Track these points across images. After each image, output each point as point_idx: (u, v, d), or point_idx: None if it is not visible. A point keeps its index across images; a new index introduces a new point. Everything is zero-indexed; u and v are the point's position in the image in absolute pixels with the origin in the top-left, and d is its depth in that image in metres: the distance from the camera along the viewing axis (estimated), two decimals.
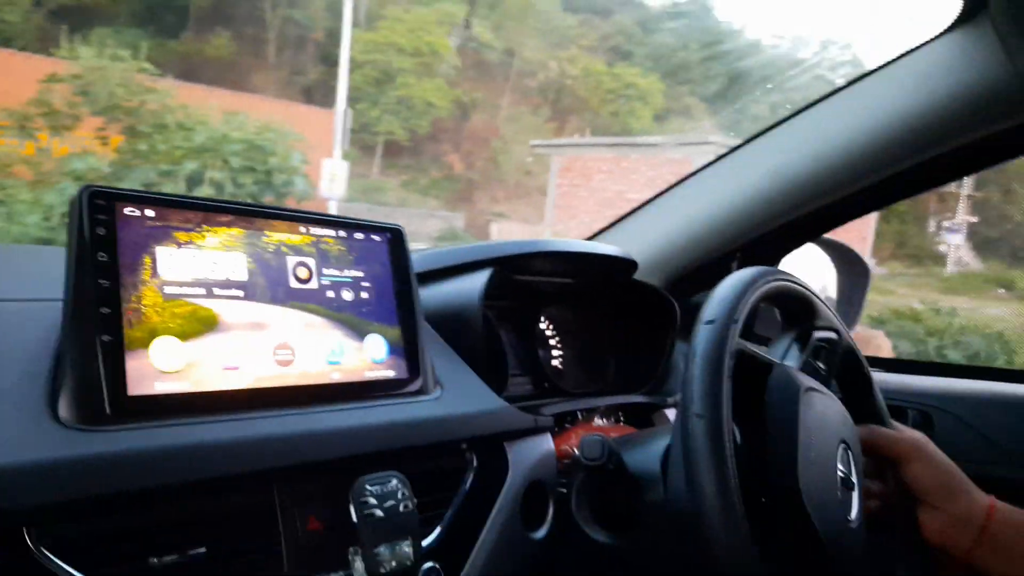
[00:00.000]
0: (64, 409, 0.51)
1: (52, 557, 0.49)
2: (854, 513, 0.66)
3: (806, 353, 0.76)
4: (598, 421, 1.03)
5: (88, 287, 0.53)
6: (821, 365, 0.78)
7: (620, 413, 1.08)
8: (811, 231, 1.19)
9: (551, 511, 0.80)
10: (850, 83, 1.01)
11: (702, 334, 0.62)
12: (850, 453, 0.68)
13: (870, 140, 0.99)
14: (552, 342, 1.12)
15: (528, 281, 1.04)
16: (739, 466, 0.58)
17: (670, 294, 1.08)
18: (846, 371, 0.81)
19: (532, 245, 0.94)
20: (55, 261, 0.60)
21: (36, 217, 4.08)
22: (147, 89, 5.06)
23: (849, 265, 1.27)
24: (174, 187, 4.63)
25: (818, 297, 0.77)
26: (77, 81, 4.79)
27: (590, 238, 1.28)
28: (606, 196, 13.57)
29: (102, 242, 0.55)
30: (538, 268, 1.03)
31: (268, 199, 5.32)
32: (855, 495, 0.67)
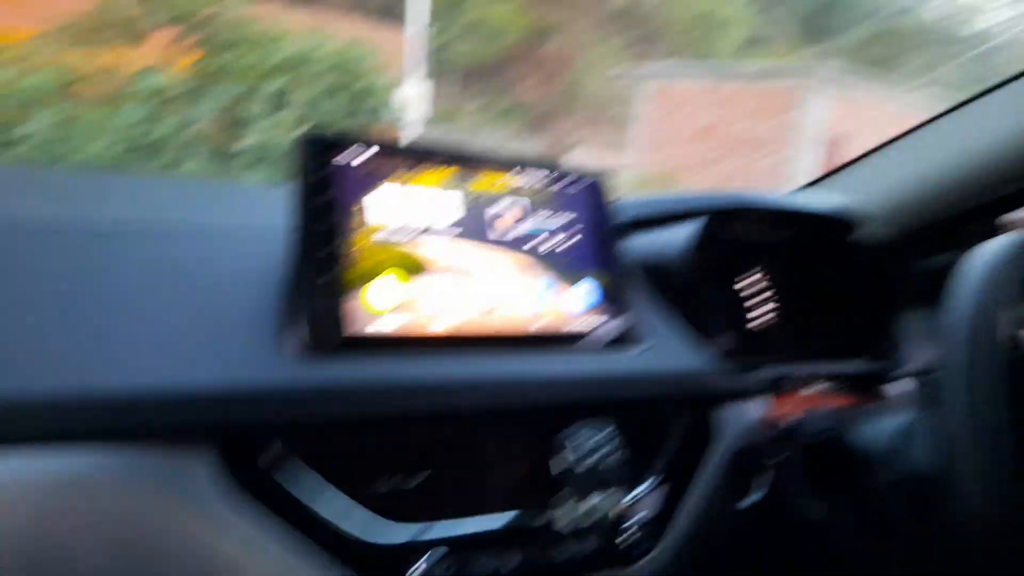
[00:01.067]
0: (288, 341, 0.56)
1: (296, 468, 0.55)
2: None
3: None
4: (814, 388, 0.94)
5: (311, 229, 0.58)
6: None
7: (836, 381, 0.98)
8: None
9: (762, 479, 0.78)
10: None
11: (965, 308, 0.57)
12: None
13: None
14: (762, 298, 1.03)
15: (745, 235, 0.98)
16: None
17: (903, 252, 1.01)
18: None
19: (748, 199, 0.93)
20: (276, 201, 0.68)
21: (100, 145, 3.57)
22: None
23: None
24: (258, 108, 4.08)
25: None
26: None
27: (809, 185, 1.16)
28: (701, 126, 12.57)
29: (321, 187, 0.59)
30: (753, 223, 0.97)
31: (360, 122, 4.77)
32: None
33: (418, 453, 0.62)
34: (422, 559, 0.58)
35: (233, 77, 4.29)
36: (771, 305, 1.04)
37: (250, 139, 4.05)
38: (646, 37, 24.28)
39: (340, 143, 0.60)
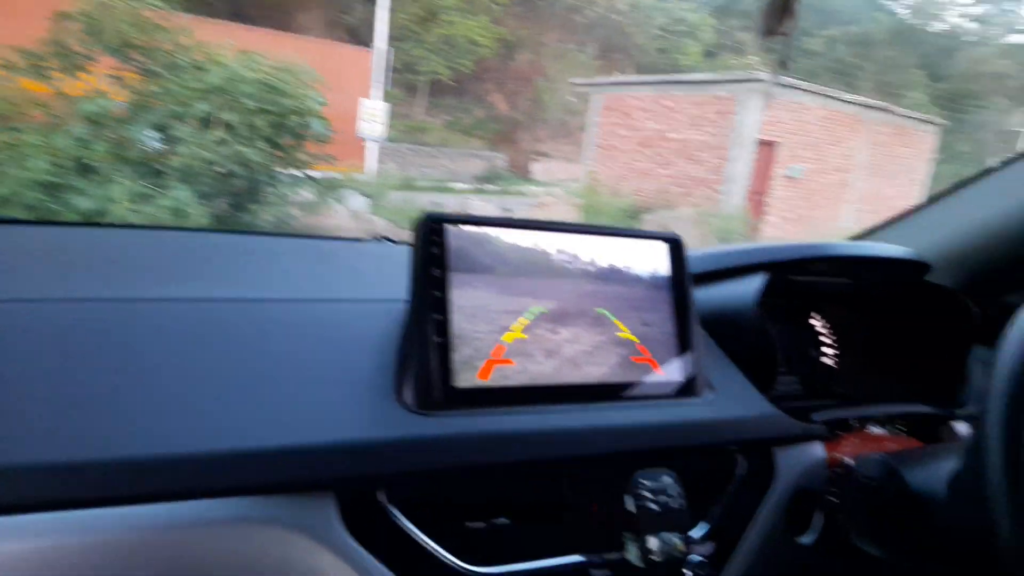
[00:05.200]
0: (407, 396, 0.62)
1: (398, 513, 0.62)
2: None
3: None
4: (875, 429, 0.96)
5: (426, 297, 0.64)
6: None
7: (900, 422, 1.00)
8: None
9: (819, 519, 0.80)
10: None
11: (1013, 344, 0.57)
12: None
13: None
14: (826, 341, 1.08)
15: (805, 281, 1.02)
16: None
17: (970, 294, 0.96)
18: None
19: (812, 249, 0.93)
20: (382, 256, 0.88)
21: (42, 162, 4.01)
22: (157, 27, 4.88)
23: None
24: (187, 129, 4.52)
25: None
26: (84, 19, 4.63)
27: (870, 232, 1.20)
28: (646, 135, 13.09)
29: (436, 259, 0.65)
30: (816, 270, 1.00)
31: (285, 141, 5.18)
32: None
33: (504, 499, 0.68)
34: None
35: (167, 100, 4.72)
36: (834, 350, 1.07)
37: (178, 159, 4.49)
38: (612, 49, 24.81)
39: (455, 220, 0.67)
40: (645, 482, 0.66)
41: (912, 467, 0.72)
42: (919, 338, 1.01)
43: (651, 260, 0.78)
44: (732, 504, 0.77)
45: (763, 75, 11.24)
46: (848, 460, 0.79)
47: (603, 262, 0.75)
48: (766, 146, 12.14)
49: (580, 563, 0.67)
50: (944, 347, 0.97)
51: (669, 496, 0.66)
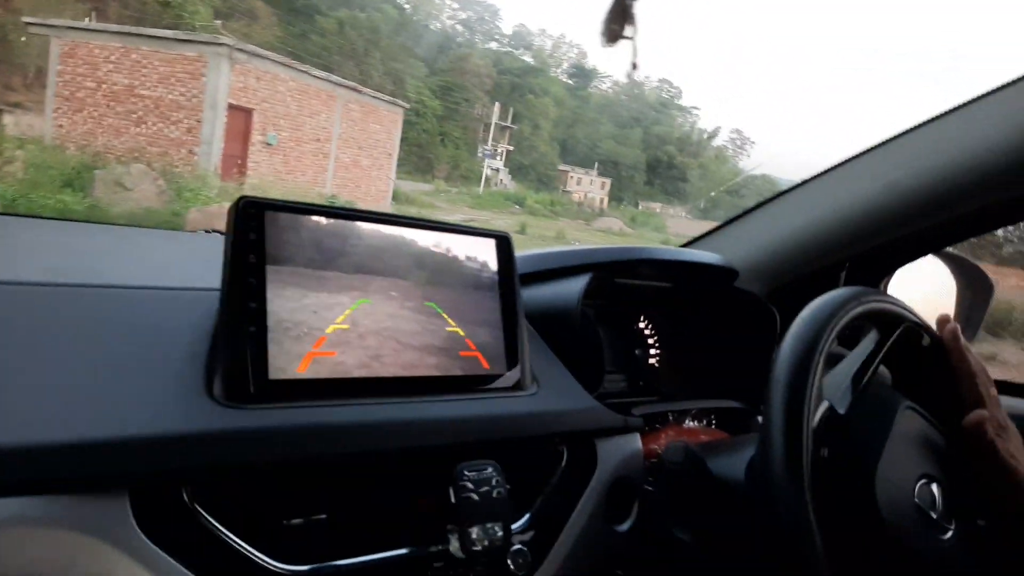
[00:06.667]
0: (217, 388, 0.58)
1: (203, 512, 0.57)
2: (935, 538, 0.65)
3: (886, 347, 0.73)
4: (689, 423, 1.04)
5: (239, 284, 0.60)
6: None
7: (713, 417, 1.08)
8: (927, 245, 1.11)
9: (635, 507, 0.84)
10: (977, 98, 0.93)
11: (791, 339, 0.63)
12: (933, 489, 0.66)
13: (999, 157, 0.90)
14: (650, 342, 1.13)
15: (628, 284, 1.06)
16: (823, 481, 0.59)
17: (775, 303, 1.07)
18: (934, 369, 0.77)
19: (632, 252, 0.98)
20: (208, 248, 0.79)
21: None
22: None
23: (970, 279, 1.18)
24: None
25: (917, 318, 0.74)
26: None
27: (691, 242, 1.26)
28: (116, 89, 12.40)
29: (252, 245, 0.62)
30: (639, 273, 1.05)
31: None
32: (935, 526, 0.65)
33: (321, 494, 0.65)
34: None
35: None
36: (654, 349, 1.12)
37: None
38: None
39: (272, 206, 0.64)
40: (468, 473, 0.66)
41: (716, 456, 0.78)
42: (730, 339, 1.09)
43: (480, 256, 0.78)
44: (554, 494, 0.78)
45: (229, 40, 11.61)
46: (662, 450, 0.84)
47: (433, 257, 0.74)
48: (242, 112, 12.58)
49: (403, 556, 0.66)
50: (751, 348, 1.04)
51: (491, 487, 0.66)
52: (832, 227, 1.08)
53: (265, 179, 12.88)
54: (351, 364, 0.65)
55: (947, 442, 0.71)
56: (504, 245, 0.81)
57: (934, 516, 0.64)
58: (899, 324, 0.72)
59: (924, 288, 1.14)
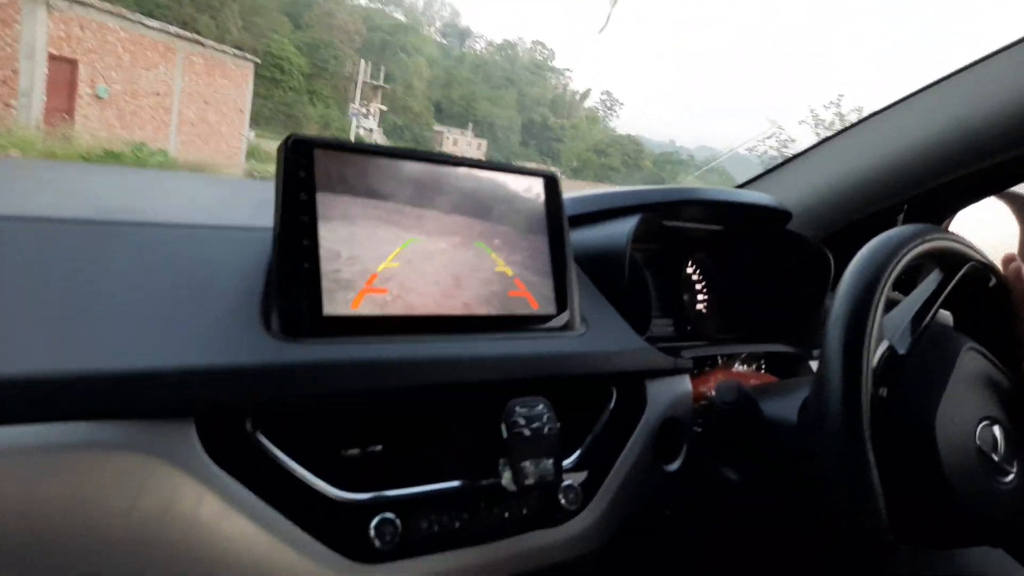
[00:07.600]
0: (274, 324, 0.59)
1: (266, 441, 0.58)
2: (996, 481, 0.64)
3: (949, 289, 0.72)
4: (738, 367, 1.04)
5: (291, 221, 0.61)
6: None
7: (763, 361, 1.08)
8: (990, 185, 1.06)
9: (684, 447, 0.84)
10: None
11: (850, 277, 0.62)
12: (995, 431, 0.65)
13: None
14: (698, 287, 1.12)
15: (678, 227, 1.05)
16: (880, 422, 0.58)
17: (829, 246, 1.03)
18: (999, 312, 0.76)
19: (683, 193, 0.97)
20: (258, 190, 0.82)
21: None
22: None
23: None
24: None
25: (984, 258, 0.73)
26: None
27: (744, 184, 1.23)
28: None
29: (303, 183, 0.63)
30: (688, 215, 1.04)
31: None
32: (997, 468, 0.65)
33: (376, 427, 0.66)
34: (376, 516, 0.62)
35: None
36: (702, 295, 1.11)
37: None
38: None
39: (322, 144, 0.65)
40: (519, 409, 0.66)
41: (767, 398, 0.77)
42: (781, 283, 1.06)
43: (528, 196, 0.78)
44: (604, 433, 0.78)
45: None
46: (711, 392, 0.84)
47: (481, 196, 0.74)
48: (66, 63, 11.85)
49: (456, 488, 0.67)
50: (803, 292, 1.03)
51: (542, 423, 0.67)
52: (891, 167, 1.05)
53: (97, 133, 12.24)
54: (402, 302, 0.66)
55: (1011, 384, 0.69)
56: (552, 185, 0.80)
57: (995, 459, 0.63)
58: (964, 264, 0.70)
59: (985, 231, 1.09)
